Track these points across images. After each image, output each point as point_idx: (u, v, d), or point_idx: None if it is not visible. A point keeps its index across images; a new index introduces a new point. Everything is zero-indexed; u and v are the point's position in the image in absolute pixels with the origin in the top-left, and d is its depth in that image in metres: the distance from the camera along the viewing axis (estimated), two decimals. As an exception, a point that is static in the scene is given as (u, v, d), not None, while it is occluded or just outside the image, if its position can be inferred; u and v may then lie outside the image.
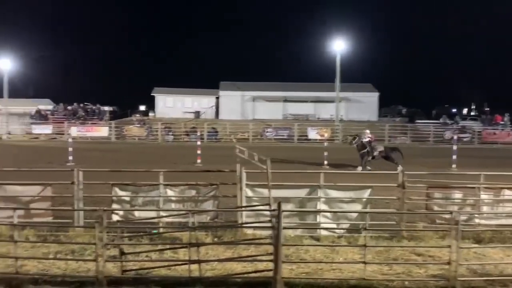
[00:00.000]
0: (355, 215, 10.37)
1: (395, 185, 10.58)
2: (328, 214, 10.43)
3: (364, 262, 7.67)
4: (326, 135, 39.76)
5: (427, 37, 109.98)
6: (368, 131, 23.19)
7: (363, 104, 51.89)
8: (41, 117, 46.09)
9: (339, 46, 44.69)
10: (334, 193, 10.56)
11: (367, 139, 21.70)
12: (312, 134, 41.31)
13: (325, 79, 50.40)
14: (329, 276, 7.91)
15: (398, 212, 10.55)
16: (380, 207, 11.45)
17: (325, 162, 21.94)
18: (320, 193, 10.44)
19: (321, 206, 10.45)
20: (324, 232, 10.21)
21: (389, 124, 43.34)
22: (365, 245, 7.84)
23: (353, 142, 22.22)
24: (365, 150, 21.40)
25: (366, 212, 10.14)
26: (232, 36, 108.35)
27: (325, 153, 22.49)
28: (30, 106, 51.12)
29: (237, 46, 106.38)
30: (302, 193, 10.57)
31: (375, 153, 21.39)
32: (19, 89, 52.77)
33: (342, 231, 10.31)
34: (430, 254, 8.93)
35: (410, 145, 37.63)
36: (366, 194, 10.47)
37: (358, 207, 10.53)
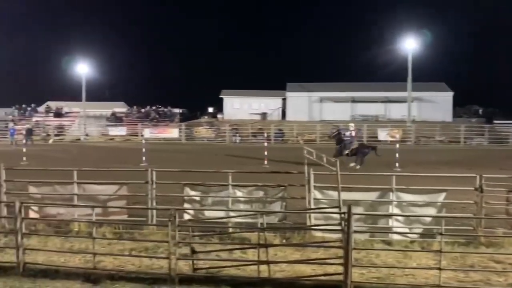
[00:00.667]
0: (429, 219, 9.96)
1: (472, 188, 10.06)
2: (400, 218, 10.11)
3: (439, 268, 7.34)
4: (397, 136, 38.62)
5: (505, 32, 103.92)
6: (352, 124, 23.13)
7: (437, 104, 49.94)
8: (116, 119, 48.35)
9: (410, 44, 43.28)
10: (406, 197, 10.21)
11: (349, 134, 21.84)
12: (383, 135, 40.29)
13: (395, 79, 49.03)
14: (402, 281, 7.66)
15: (475, 217, 10.02)
16: (455, 212, 10.93)
17: (397, 164, 21.29)
18: (392, 196, 10.13)
19: (393, 209, 10.14)
20: (396, 237, 9.90)
21: (464, 125, 41.39)
22: (440, 251, 7.51)
23: (332, 136, 22.36)
24: (339, 146, 21.78)
25: (441, 217, 9.71)
26: (299, 37, 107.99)
27: (397, 155, 21.82)
28: (106, 109, 53.80)
29: (304, 46, 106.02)
30: (373, 196, 10.32)
31: (346, 151, 21.62)
32: (96, 92, 55.64)
33: (415, 235, 9.95)
34: (510, 262, 8.41)
35: (488, 147, 35.72)
36: (440, 197, 10.04)
37: (432, 211, 10.11)
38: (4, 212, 10.93)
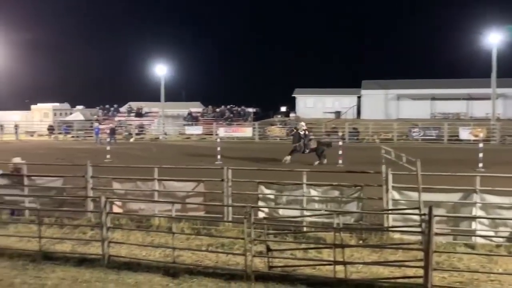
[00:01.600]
0: (516, 223, 9.36)
1: None
2: (485, 221, 9.57)
3: (530, 276, 6.88)
4: (481, 135, 36.60)
5: None
6: (303, 123, 24.38)
7: (524, 101, 46.75)
8: (192, 118, 49.74)
9: (495, 38, 40.82)
10: (492, 199, 9.65)
11: (303, 132, 22.83)
12: (464, 134, 38.31)
13: (478, 75, 46.43)
14: (486, 287, 7.25)
15: None
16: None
17: (480, 165, 20.18)
18: (476, 198, 9.62)
19: (477, 212, 9.63)
20: (480, 240, 9.39)
21: (557, 123, 38.39)
22: (530, 257, 7.03)
23: (291, 133, 23.29)
24: (298, 144, 22.83)
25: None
26: (373, 33, 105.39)
27: (480, 155, 20.67)
28: (183, 108, 55.52)
29: (380, 43, 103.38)
30: (455, 197, 9.86)
31: (307, 151, 22.76)
32: (173, 93, 57.60)
33: (501, 239, 9.38)
34: None
35: None
36: (530, 200, 9.39)
37: (521, 214, 9.49)
38: (91, 206, 11.61)
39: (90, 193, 11.81)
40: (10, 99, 59.18)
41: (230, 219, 10.83)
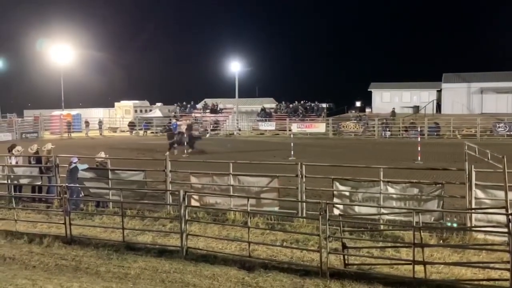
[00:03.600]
0: None
1: None
2: None
3: None
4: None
5: None
6: (174, 121, 28.67)
7: None
8: (266, 114, 50.05)
9: None
10: None
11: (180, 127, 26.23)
12: (555, 129, 35.61)
13: None
14: None
15: None
16: None
17: None
18: None
19: None
20: None
21: None
22: None
23: (165, 131, 25.48)
24: (174, 140, 26.35)
25: None
26: (455, 25, 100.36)
27: None
28: (257, 105, 56.07)
29: (462, 34, 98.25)
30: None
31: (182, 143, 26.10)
32: (247, 89, 58.36)
33: None
34: None
35: None
36: None
37: None
38: (170, 200, 12.05)
39: (169, 186, 12.25)
40: (94, 97, 62.81)
41: (304, 215, 10.81)
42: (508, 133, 37.13)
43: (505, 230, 7.10)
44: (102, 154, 13.64)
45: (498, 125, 38.26)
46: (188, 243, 9.07)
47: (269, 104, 57.69)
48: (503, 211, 7.99)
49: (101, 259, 8.81)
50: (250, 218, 9.83)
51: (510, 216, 6.89)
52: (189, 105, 54.75)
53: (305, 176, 11.13)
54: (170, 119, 48.33)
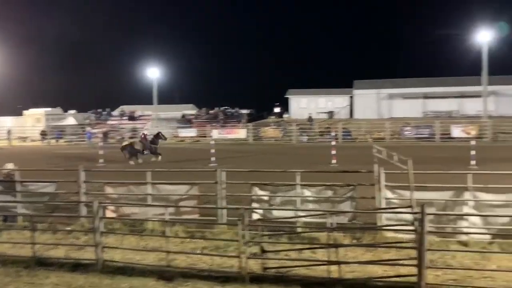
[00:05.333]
0: (509, 219, 9.42)
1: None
2: (478, 218, 9.62)
3: (522, 271, 6.93)
4: (472, 132, 36.84)
5: None
6: (146, 127, 27.85)
7: (515, 98, 47.12)
8: (186, 121, 49.68)
9: (485, 36, 41.11)
10: (484, 196, 9.72)
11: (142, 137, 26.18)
12: (457, 132, 38.55)
13: (470, 73, 46.75)
14: (480, 284, 7.29)
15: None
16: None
17: (472, 162, 20.31)
18: (468, 195, 9.68)
19: (469, 209, 9.68)
20: (473, 237, 9.44)
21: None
22: (523, 253, 7.08)
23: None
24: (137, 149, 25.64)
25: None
26: (366, 34, 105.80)
27: (472, 152, 20.80)
28: (177, 111, 55.50)
29: (372, 43, 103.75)
30: (447, 195, 9.91)
31: (146, 152, 25.76)
32: (166, 96, 57.61)
33: (491, 236, 9.44)
34: None
35: None
36: (522, 197, 9.46)
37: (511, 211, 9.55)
38: (84, 211, 11.57)
39: (83, 198, 11.77)
40: (2, 105, 58.89)
41: (224, 221, 10.83)
42: (414, 136, 39.65)
43: (412, 228, 7.56)
44: (10, 165, 12.82)
45: (405, 129, 40.76)
46: (104, 255, 8.74)
47: (190, 110, 57.38)
48: (409, 210, 8.49)
49: (9, 277, 8.25)
50: (169, 227, 9.68)
51: (415, 215, 7.35)
52: (104, 112, 53.02)
53: (225, 183, 11.17)
54: (85, 127, 46.56)
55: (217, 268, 8.37)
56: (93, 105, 57.30)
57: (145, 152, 25.77)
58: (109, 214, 11.39)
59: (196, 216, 11.20)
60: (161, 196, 11.50)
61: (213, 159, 23.70)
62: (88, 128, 44.32)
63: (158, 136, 27.37)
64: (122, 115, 53.78)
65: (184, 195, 11.44)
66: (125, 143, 27.43)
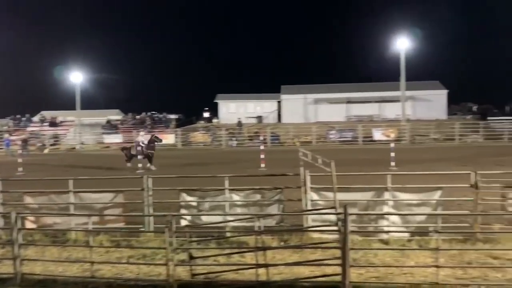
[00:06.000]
0: (424, 217, 10.00)
1: (468, 185, 10.10)
2: (397, 217, 10.13)
3: (437, 266, 7.37)
4: (392, 135, 38.73)
5: (496, 30, 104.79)
6: (142, 133, 26.57)
7: (431, 103, 50.16)
8: (111, 127, 48.25)
9: (403, 43, 43.45)
10: (402, 195, 10.24)
11: (142, 140, 24.73)
12: (378, 135, 40.39)
13: (390, 78, 49.21)
14: (400, 280, 7.66)
15: (471, 213, 10.05)
16: (452, 209, 10.97)
17: (392, 164, 21.35)
18: (388, 195, 10.16)
19: (389, 208, 10.17)
20: (393, 235, 9.92)
21: (459, 122, 41.49)
22: (437, 248, 7.54)
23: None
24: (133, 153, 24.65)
25: (437, 214, 9.74)
26: (293, 40, 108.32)
27: (392, 154, 21.88)
28: (101, 117, 53.74)
29: (299, 49, 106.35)
30: (368, 195, 10.34)
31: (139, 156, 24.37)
32: (91, 100, 55.63)
33: (410, 234, 9.97)
34: (508, 257, 8.43)
35: (483, 143, 35.83)
36: (436, 195, 10.07)
37: (428, 209, 10.14)
38: (1, 223, 10.90)
39: (0, 208, 11.09)
40: None
41: (151, 229, 10.63)
42: (339, 139, 41.06)
43: (336, 228, 7.81)
44: None
45: (330, 132, 42.13)
46: (23, 269, 8.27)
47: (115, 115, 55.77)
48: (333, 210, 8.77)
49: None
50: (93, 236, 9.36)
51: (339, 215, 7.61)
52: (24, 119, 50.33)
53: (152, 189, 10.97)
54: (2, 134, 43.90)
55: (144, 277, 8.19)
56: (11, 111, 54.17)
57: (139, 157, 24.30)
58: (29, 225, 10.80)
59: (121, 225, 10.90)
60: (85, 205, 11.08)
61: (140, 165, 23.18)
62: (6, 135, 41.80)
63: (152, 140, 25.81)
64: (42, 121, 51.29)
65: (109, 203, 11.10)
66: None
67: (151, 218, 10.73)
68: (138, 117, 50.32)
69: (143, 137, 25.39)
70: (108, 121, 49.39)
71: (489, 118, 46.91)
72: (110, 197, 11.11)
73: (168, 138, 43.34)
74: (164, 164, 25.54)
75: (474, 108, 56.28)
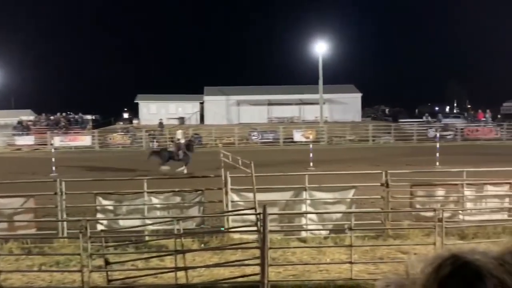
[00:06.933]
0: (340, 215, 10.41)
1: (379, 184, 10.65)
2: (314, 216, 10.46)
3: (351, 262, 7.69)
4: (311, 136, 39.89)
5: (408, 37, 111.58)
6: (179, 131, 25.63)
7: (347, 105, 52.25)
8: (23, 128, 45.52)
9: (321, 48, 44.96)
10: (319, 195, 10.59)
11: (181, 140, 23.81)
12: (298, 136, 41.38)
13: (309, 82, 50.70)
14: (316, 277, 7.92)
15: (382, 211, 10.61)
16: (366, 207, 11.50)
17: (311, 164, 22.00)
18: (306, 195, 10.46)
19: (307, 208, 10.48)
20: (310, 234, 10.23)
21: (372, 124, 43.61)
22: (351, 245, 7.87)
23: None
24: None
25: (351, 212, 10.18)
26: (216, 41, 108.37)
27: (311, 155, 22.55)
28: (12, 117, 50.54)
29: (221, 51, 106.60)
30: (287, 195, 10.59)
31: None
32: (0, 100, 52.24)
33: (328, 232, 10.34)
34: (415, 252, 8.98)
35: (395, 144, 37.89)
36: (350, 194, 10.53)
37: (343, 207, 10.58)
38: None
39: None
40: None
41: (65, 234, 10.17)
42: (260, 140, 41.62)
43: (255, 228, 7.93)
44: None
45: (252, 134, 42.59)
46: None
47: (27, 116, 52.68)
48: (253, 211, 8.89)
49: None
50: (2, 244, 8.80)
51: (258, 215, 7.73)
52: None
53: (65, 193, 10.50)
54: None
55: (56, 285, 7.84)
56: None
57: (178, 158, 22.60)
58: None
59: (33, 231, 10.33)
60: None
61: (54, 168, 22.09)
62: None
63: (191, 142, 24.45)
64: None
65: (19, 208, 10.48)
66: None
67: (65, 223, 10.27)
68: (52, 117, 47.88)
69: (181, 137, 24.08)
70: (20, 122, 46.53)
71: (400, 120, 49.76)
72: (20, 202, 10.49)
73: (85, 140, 41.66)
74: (80, 167, 24.54)
75: (387, 110, 59.48)
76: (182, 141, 23.65)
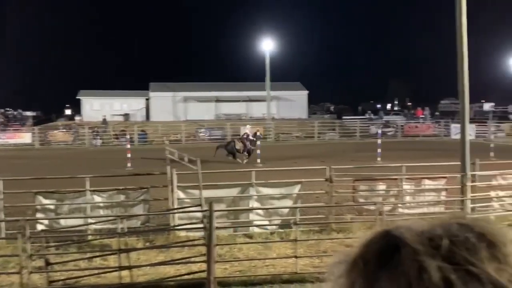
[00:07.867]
0: (286, 210, 10.57)
1: (323, 179, 10.89)
2: (260, 211, 10.57)
3: (296, 257, 7.84)
4: (259, 133, 40.15)
5: (350, 36, 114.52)
6: (248, 126, 27.19)
7: (293, 103, 52.96)
8: (-44, 125, 43.14)
9: (268, 45, 45.31)
10: (265, 190, 10.71)
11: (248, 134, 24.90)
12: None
13: (256, 79, 50.98)
14: (263, 272, 8.01)
15: (326, 205, 10.87)
16: (311, 202, 11.73)
17: (258, 160, 22.18)
18: (252, 191, 10.54)
19: (254, 204, 10.56)
20: (257, 229, 10.33)
21: (318, 121, 44.46)
22: (296, 240, 8.01)
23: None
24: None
25: (296, 207, 10.38)
26: (161, 37, 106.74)
27: (258, 152, 22.72)
28: None
29: (167, 46, 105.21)
30: (234, 192, 10.63)
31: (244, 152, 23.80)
32: None
33: (274, 227, 10.48)
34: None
35: (339, 140, 38.82)
36: (296, 189, 10.71)
37: (289, 202, 10.75)
38: None
39: None
40: None
41: (3, 235, 9.77)
42: (208, 137, 41.45)
43: (201, 225, 7.92)
44: None
45: (200, 131, 42.35)
46: None
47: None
48: (199, 208, 8.87)
49: None
50: None
51: (204, 212, 7.72)
52: None
53: (4, 193, 10.08)
54: None
55: (-7, 289, 7.50)
56: None
57: (243, 152, 22.92)
58: None
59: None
60: None
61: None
62: None
63: (256, 135, 24.48)
64: None
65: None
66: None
67: (3, 224, 9.86)
68: (-12, 114, 45.74)
69: (249, 131, 24.88)
70: (-48, 119, 44.12)
71: (344, 117, 51.02)
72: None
73: (24, 137, 39.98)
74: (19, 165, 23.54)
75: (332, 108, 60.82)
76: (250, 136, 24.48)
